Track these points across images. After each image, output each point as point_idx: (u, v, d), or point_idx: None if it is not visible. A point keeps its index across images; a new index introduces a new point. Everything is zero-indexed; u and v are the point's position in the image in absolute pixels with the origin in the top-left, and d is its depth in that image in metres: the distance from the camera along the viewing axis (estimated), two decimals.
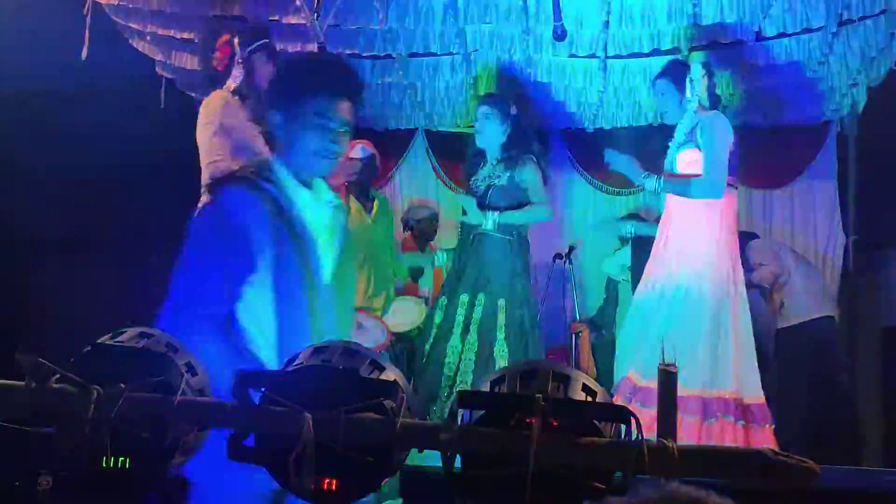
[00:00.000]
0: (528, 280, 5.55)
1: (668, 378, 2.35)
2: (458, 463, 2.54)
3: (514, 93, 6.08)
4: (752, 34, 5.88)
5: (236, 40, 4.83)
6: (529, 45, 6.23)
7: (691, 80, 4.99)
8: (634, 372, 4.69)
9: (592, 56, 6.35)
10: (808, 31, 5.87)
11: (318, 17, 5.54)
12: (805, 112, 7.00)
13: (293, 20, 6.01)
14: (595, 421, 2.39)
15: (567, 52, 6.30)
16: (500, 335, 5.23)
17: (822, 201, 7.23)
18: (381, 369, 2.73)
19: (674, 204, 5.04)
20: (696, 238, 4.92)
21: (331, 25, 6.04)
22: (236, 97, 4.80)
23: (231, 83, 4.82)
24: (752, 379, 4.81)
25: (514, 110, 5.55)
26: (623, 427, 2.34)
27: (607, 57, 6.33)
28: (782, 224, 7.30)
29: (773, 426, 4.78)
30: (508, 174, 5.42)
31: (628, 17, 5.88)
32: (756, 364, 4.85)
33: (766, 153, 7.30)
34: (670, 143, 5.05)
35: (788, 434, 5.22)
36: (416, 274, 7.01)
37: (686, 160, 4.98)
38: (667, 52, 6.28)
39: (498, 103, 5.58)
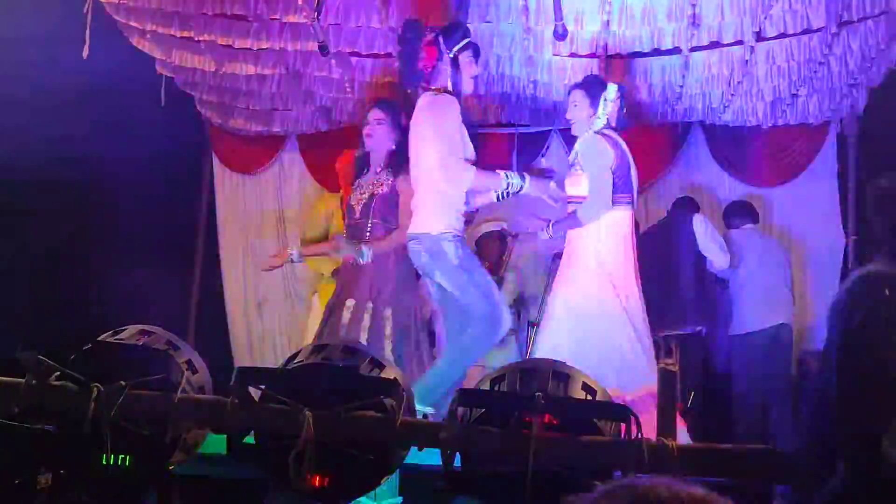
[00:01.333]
0: (416, 289, 5.44)
1: (667, 377, 2.36)
2: (457, 461, 2.55)
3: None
4: (753, 34, 5.86)
5: (441, 40, 4.81)
6: (530, 44, 6.22)
7: (605, 100, 5.11)
8: None
9: (593, 55, 6.35)
10: (808, 31, 5.86)
11: (318, 15, 5.53)
12: (805, 112, 6.99)
13: (294, 19, 6.01)
14: (595, 419, 2.40)
15: (567, 51, 6.29)
16: (388, 345, 5.17)
17: (822, 201, 7.22)
18: (381, 368, 2.74)
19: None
20: (597, 252, 5.03)
21: (332, 24, 6.05)
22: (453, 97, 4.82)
23: (443, 82, 4.82)
24: (639, 375, 4.89)
25: (405, 120, 5.44)
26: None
27: (608, 56, 6.32)
28: (782, 224, 7.29)
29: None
30: (391, 183, 5.34)
31: (629, 17, 5.87)
32: (645, 362, 4.96)
33: (766, 153, 7.30)
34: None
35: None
36: None
37: (571, 182, 5.11)
38: (667, 52, 6.28)
39: (392, 109, 5.48)
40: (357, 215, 5.27)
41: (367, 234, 5.21)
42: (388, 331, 5.05)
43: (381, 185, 5.26)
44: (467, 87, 4.92)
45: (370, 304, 5.07)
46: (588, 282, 5.00)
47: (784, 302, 6.43)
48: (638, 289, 5.06)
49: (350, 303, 5.10)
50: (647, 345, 5.00)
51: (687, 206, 6.88)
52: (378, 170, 5.33)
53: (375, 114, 5.37)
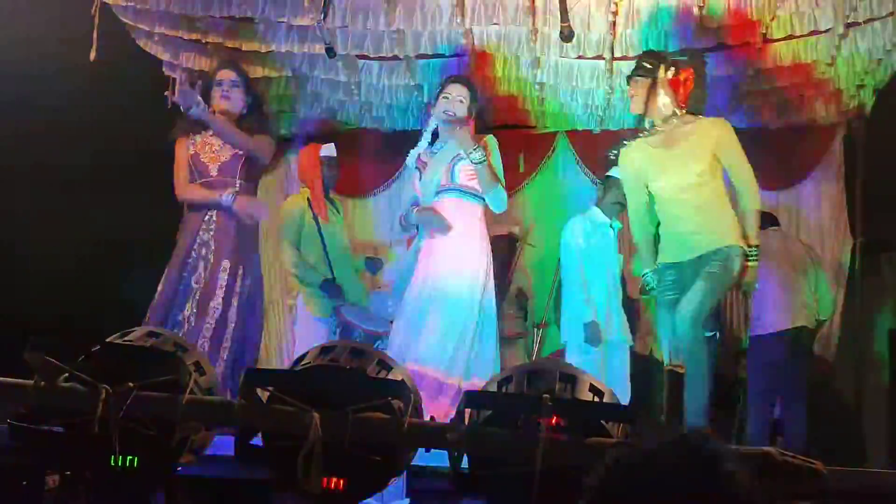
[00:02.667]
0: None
1: (674, 378, 2.36)
2: (465, 462, 2.55)
3: None
4: (760, 36, 5.86)
5: None
6: (537, 46, 6.22)
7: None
8: (413, 364, 4.83)
9: (599, 57, 6.34)
10: (815, 32, 5.86)
11: (325, 18, 5.54)
12: (812, 114, 6.98)
13: (301, 21, 6.01)
14: (602, 421, 2.40)
15: (574, 53, 6.29)
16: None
17: (829, 203, 7.20)
18: (389, 369, 2.74)
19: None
20: (456, 245, 5.10)
21: (338, 27, 6.05)
22: None
23: None
24: (489, 367, 4.96)
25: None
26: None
27: (614, 58, 6.31)
28: (788, 225, 7.28)
29: None
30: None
31: (635, 19, 5.87)
32: (496, 355, 5.13)
33: (773, 155, 7.28)
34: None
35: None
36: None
37: (467, 173, 5.16)
38: (673, 54, 6.27)
39: (243, 72, 5.63)
40: (215, 174, 5.31)
41: (236, 193, 5.26)
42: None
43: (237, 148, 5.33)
44: None
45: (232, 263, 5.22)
46: (451, 269, 5.07)
47: (803, 305, 6.40)
48: (490, 283, 5.15)
49: (226, 263, 5.19)
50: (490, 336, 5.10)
51: None
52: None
53: (228, 75, 5.47)
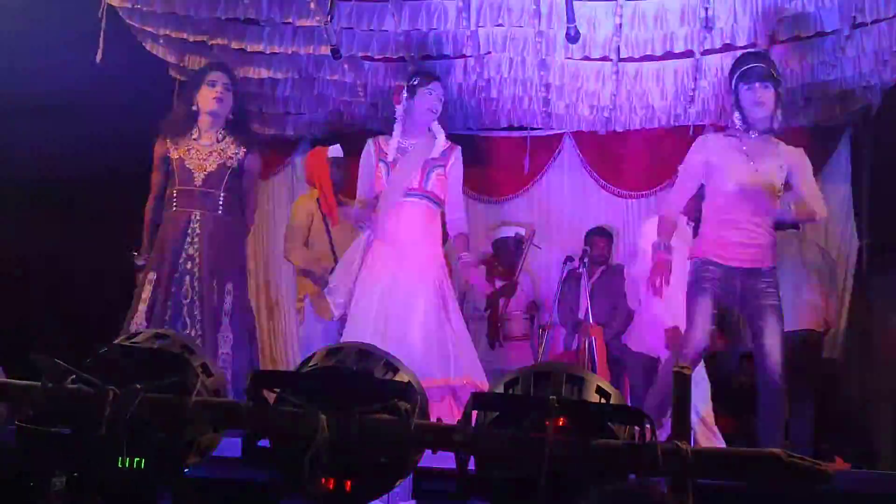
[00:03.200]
0: None
1: (682, 380, 2.35)
2: (471, 464, 2.55)
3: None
4: (766, 37, 5.85)
5: None
6: (542, 48, 6.23)
7: None
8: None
9: (605, 59, 6.35)
10: (821, 34, 5.86)
11: (331, 19, 5.54)
12: (818, 115, 6.98)
13: (307, 23, 6.02)
14: (609, 423, 2.40)
15: (580, 54, 6.29)
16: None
17: (836, 204, 7.19)
18: (395, 371, 2.75)
19: (391, 216, 5.13)
20: (412, 247, 5.08)
21: (344, 28, 6.06)
22: None
23: None
24: (463, 365, 4.99)
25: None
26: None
27: (620, 60, 6.32)
28: (795, 227, 7.27)
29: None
30: (240, 158, 5.33)
31: (641, 20, 5.87)
32: (474, 352, 5.15)
33: None
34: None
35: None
36: None
37: (439, 180, 5.18)
38: (679, 56, 6.27)
39: (232, 75, 5.50)
40: (200, 183, 5.22)
41: (220, 205, 5.22)
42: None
43: (231, 157, 5.27)
44: None
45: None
46: (407, 270, 5.05)
47: (814, 307, 6.39)
48: (448, 284, 5.16)
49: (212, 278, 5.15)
50: (461, 333, 5.09)
51: None
52: (220, 138, 5.30)
53: (222, 77, 5.34)
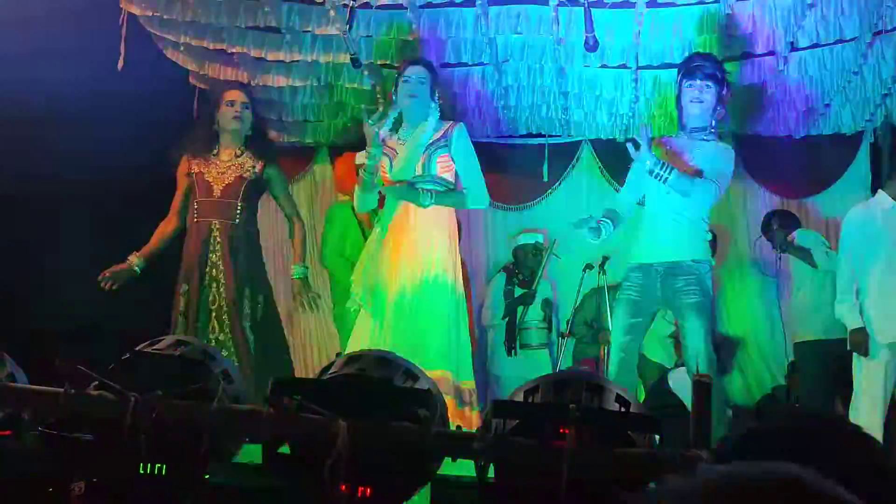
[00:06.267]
0: None
1: (701, 388, 2.35)
2: (491, 472, 2.56)
3: None
4: (786, 45, 5.84)
5: None
6: (560, 55, 6.23)
7: None
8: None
9: (623, 66, 6.34)
10: (841, 41, 5.84)
11: (350, 28, 5.56)
12: (838, 122, 6.96)
13: (326, 31, 6.04)
14: (629, 431, 2.40)
15: (598, 62, 6.29)
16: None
17: None
18: (415, 378, 2.75)
19: (405, 213, 5.06)
20: (431, 244, 5.02)
21: (363, 36, 6.08)
22: None
23: None
24: (466, 366, 5.02)
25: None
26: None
27: (639, 67, 6.31)
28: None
29: (479, 409, 4.98)
30: (258, 170, 5.48)
31: (659, 28, 5.86)
32: (469, 353, 5.13)
33: (799, 163, 7.26)
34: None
35: None
36: None
37: (443, 164, 5.09)
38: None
39: (250, 93, 5.72)
40: (219, 194, 5.37)
41: (238, 214, 5.37)
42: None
43: (248, 170, 5.42)
44: None
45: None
46: (427, 269, 5.00)
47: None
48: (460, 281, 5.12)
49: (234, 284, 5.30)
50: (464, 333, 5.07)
51: None
52: (238, 153, 5.46)
53: (240, 96, 5.54)
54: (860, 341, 5.25)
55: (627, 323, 4.87)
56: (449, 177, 5.11)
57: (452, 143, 5.09)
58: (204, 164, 5.42)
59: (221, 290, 5.27)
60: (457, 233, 5.20)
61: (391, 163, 5.13)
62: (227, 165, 5.42)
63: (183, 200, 5.49)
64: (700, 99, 4.81)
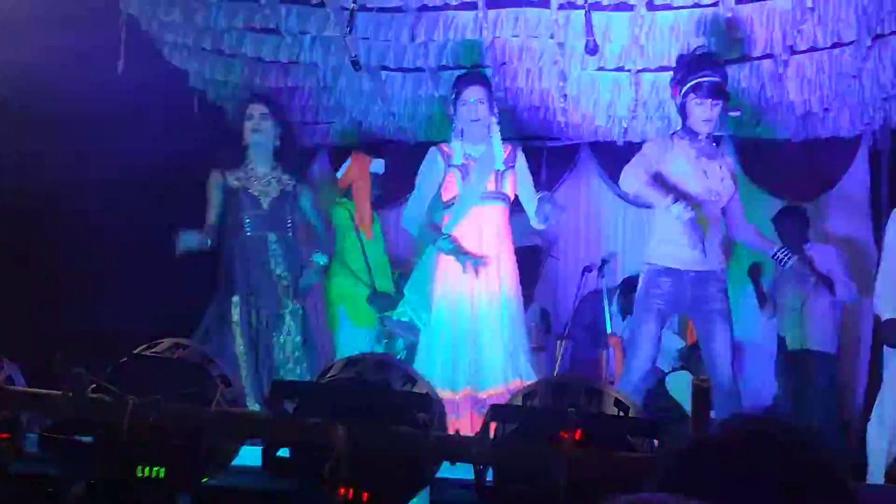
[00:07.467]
0: None
1: (701, 392, 2.35)
2: (489, 476, 2.56)
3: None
4: (784, 48, 5.85)
5: None
6: (559, 58, 6.23)
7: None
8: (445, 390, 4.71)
9: (621, 69, 6.34)
10: (839, 45, 5.84)
11: (350, 30, 5.57)
12: (836, 126, 6.96)
13: (326, 33, 6.05)
14: (628, 435, 2.40)
15: (596, 65, 6.30)
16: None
17: (854, 215, 7.17)
18: (414, 382, 2.76)
19: (468, 219, 5.09)
20: (490, 252, 5.05)
21: (362, 39, 6.08)
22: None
23: None
24: (490, 375, 4.97)
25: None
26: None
27: (637, 70, 6.31)
28: (813, 238, 7.25)
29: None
30: (293, 183, 5.57)
31: (658, 32, 5.86)
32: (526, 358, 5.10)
33: (798, 166, 7.26)
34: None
35: None
36: None
37: (513, 182, 5.16)
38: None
39: (274, 103, 5.72)
40: (268, 208, 5.45)
41: (288, 226, 5.50)
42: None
43: (287, 184, 5.51)
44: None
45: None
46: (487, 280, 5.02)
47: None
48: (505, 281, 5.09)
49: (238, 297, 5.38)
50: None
51: None
52: (273, 166, 5.52)
53: (259, 108, 5.53)
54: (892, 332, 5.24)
55: (657, 334, 4.83)
56: (510, 193, 5.18)
57: (518, 165, 5.19)
58: (244, 179, 5.47)
59: (286, 301, 5.39)
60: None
61: (460, 178, 5.13)
62: (268, 179, 5.50)
63: (217, 213, 5.49)
64: (710, 118, 4.82)
